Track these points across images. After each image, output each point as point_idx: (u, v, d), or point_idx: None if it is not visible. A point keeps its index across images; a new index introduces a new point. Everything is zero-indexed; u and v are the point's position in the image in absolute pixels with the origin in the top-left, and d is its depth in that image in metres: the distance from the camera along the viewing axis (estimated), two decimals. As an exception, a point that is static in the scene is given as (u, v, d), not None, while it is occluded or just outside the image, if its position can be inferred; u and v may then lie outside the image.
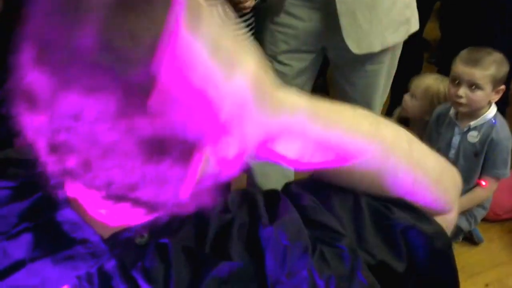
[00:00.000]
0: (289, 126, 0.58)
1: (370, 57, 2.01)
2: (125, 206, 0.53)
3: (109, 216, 0.57)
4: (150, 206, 0.53)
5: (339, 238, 0.59)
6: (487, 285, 2.28)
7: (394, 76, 2.19)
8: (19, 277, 0.56)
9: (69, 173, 0.51)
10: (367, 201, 0.63)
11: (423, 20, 2.80)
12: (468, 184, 2.29)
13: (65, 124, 0.48)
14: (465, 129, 2.22)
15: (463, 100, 2.13)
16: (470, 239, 2.45)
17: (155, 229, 0.57)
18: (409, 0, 2.01)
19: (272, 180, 2.30)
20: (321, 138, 0.60)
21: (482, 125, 2.20)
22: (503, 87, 2.15)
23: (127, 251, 0.57)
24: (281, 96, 0.58)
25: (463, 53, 2.18)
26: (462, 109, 2.17)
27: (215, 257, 0.57)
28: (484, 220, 2.44)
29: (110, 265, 0.56)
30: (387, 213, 0.62)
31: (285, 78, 2.07)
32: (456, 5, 3.00)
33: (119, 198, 0.52)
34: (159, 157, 0.49)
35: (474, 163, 2.24)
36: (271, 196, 0.64)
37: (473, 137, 2.21)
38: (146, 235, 0.57)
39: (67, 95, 0.47)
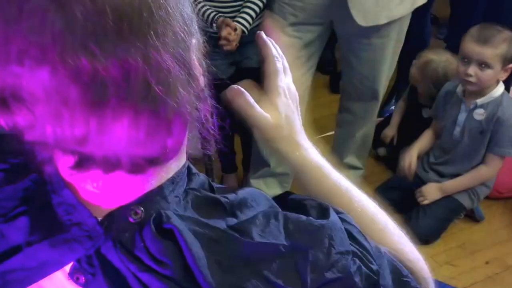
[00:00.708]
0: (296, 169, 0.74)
1: (376, 30, 2.00)
2: (96, 173, 0.53)
3: (102, 197, 0.57)
4: (112, 164, 0.52)
5: (371, 260, 0.62)
6: (487, 262, 2.29)
7: (401, 51, 2.18)
8: (17, 260, 0.56)
9: (21, 130, 0.50)
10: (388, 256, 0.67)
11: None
12: (472, 163, 2.29)
13: (9, 72, 0.47)
14: (472, 107, 2.21)
15: (472, 79, 2.11)
16: (472, 217, 2.46)
17: (149, 205, 0.57)
18: None
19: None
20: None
21: (488, 103, 2.19)
22: (511, 65, 2.14)
23: (123, 231, 0.56)
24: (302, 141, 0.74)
25: (473, 30, 2.15)
26: (470, 88, 2.16)
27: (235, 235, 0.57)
28: (486, 198, 2.45)
29: (108, 246, 0.56)
30: (401, 270, 0.67)
31: (293, 49, 2.08)
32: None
33: (80, 161, 0.52)
34: (100, 105, 0.47)
35: (479, 141, 2.24)
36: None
37: (479, 115, 2.20)
38: (140, 211, 0.57)
39: (7, 41, 0.46)
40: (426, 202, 2.34)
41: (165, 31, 0.50)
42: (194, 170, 0.63)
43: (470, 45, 2.11)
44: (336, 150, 2.50)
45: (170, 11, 0.50)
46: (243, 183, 2.61)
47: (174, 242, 0.55)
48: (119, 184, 0.56)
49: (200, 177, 0.63)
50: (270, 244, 0.57)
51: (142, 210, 0.57)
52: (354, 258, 0.60)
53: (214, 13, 2.14)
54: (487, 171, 2.28)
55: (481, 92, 2.18)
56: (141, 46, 0.48)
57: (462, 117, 2.24)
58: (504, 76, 2.15)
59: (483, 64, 2.09)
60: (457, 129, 2.26)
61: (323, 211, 0.64)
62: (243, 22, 2.12)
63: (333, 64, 3.27)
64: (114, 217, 0.57)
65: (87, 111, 0.48)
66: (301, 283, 0.56)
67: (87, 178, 0.56)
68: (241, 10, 2.14)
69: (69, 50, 0.45)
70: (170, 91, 0.50)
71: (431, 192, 2.34)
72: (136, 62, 0.47)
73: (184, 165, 0.61)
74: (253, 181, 2.39)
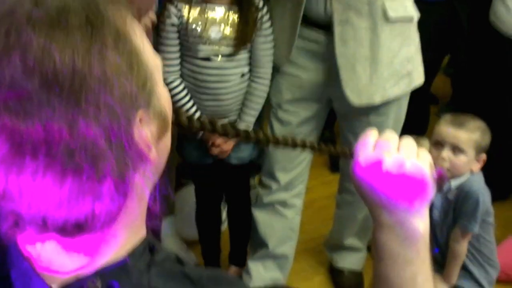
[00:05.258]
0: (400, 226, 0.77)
1: (375, 109, 2.00)
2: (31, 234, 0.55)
3: (59, 266, 0.57)
4: (40, 224, 0.53)
5: None
6: None
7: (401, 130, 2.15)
8: None
9: None
10: None
11: (431, 75, 2.80)
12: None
13: None
14: (446, 189, 2.12)
15: (445, 164, 2.04)
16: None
17: (107, 275, 0.57)
18: (412, 54, 2.00)
19: (277, 232, 2.27)
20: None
21: (461, 183, 2.08)
22: (484, 156, 2.07)
23: None
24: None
25: (447, 116, 2.11)
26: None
27: None
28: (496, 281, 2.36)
29: None
30: None
31: (290, 126, 2.07)
32: (470, 71, 3.00)
33: (15, 221, 0.53)
34: (19, 162, 0.50)
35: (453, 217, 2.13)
36: None
37: (452, 194, 2.12)
38: (97, 281, 0.56)
39: None
40: None
41: (98, 103, 0.51)
42: (156, 245, 0.63)
43: (444, 128, 2.05)
44: (337, 231, 2.44)
45: (107, 83, 0.51)
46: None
47: None
48: (71, 251, 0.57)
49: (164, 252, 0.63)
50: None
51: (99, 281, 0.56)
52: None
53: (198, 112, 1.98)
54: (459, 247, 2.15)
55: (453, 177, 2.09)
56: (69, 114, 0.50)
57: (437, 200, 2.14)
58: (477, 167, 2.07)
59: (456, 149, 2.03)
60: (436, 213, 2.16)
61: None
62: (249, 118, 2.02)
63: (332, 143, 3.25)
64: (70, 287, 0.57)
65: (5, 166, 0.50)
66: None
67: (35, 241, 0.57)
68: (244, 107, 2.02)
69: None
70: (95, 161, 0.51)
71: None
72: (60, 128, 0.49)
73: (144, 238, 0.62)
74: (251, 264, 2.32)
